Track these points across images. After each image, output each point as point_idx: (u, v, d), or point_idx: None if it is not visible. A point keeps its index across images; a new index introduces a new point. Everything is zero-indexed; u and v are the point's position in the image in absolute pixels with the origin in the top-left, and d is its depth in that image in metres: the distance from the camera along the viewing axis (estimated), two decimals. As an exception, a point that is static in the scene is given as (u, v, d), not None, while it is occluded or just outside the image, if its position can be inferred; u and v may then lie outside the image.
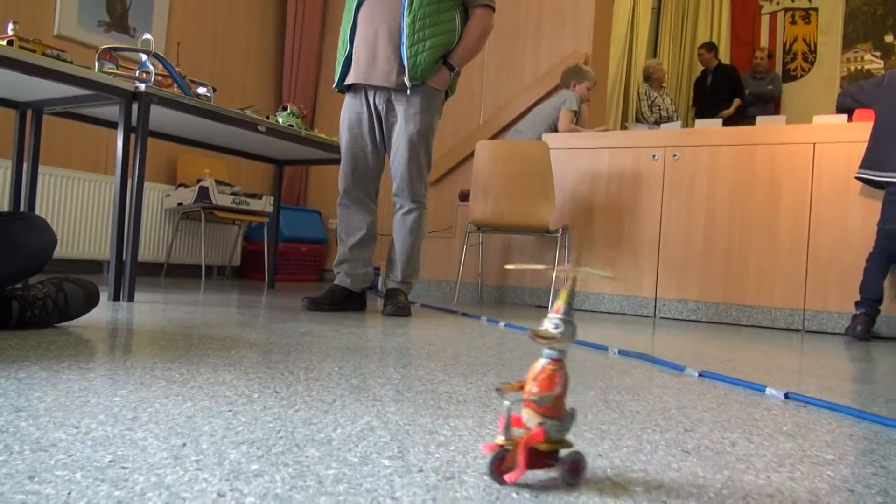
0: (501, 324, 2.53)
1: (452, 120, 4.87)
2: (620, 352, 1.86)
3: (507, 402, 0.68)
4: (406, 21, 2.50)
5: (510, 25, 4.76)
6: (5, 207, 3.28)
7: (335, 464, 0.73)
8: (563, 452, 0.71)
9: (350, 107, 2.70)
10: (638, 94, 6.00)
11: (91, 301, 1.73)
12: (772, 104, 6.56)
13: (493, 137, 4.56)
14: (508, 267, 0.82)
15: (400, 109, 2.61)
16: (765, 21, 7.56)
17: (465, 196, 4.45)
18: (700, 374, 1.55)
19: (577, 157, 3.87)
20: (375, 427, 0.89)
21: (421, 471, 0.72)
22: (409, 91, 2.56)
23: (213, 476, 0.66)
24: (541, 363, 0.70)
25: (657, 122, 5.70)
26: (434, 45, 2.53)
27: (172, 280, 4.18)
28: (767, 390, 1.37)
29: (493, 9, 2.66)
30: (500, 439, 0.69)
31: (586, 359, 1.75)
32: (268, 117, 3.12)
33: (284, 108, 3.24)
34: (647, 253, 3.68)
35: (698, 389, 1.39)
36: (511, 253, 4.09)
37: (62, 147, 4.03)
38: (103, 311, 2.07)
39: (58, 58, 2.32)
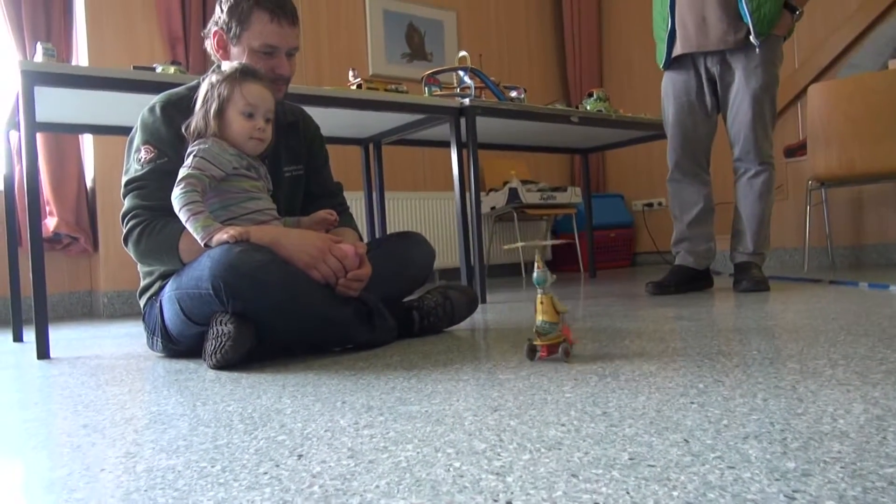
0: (893, 288, 2.15)
1: (761, 71, 4.37)
2: None
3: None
4: None
5: (820, -53, 4.12)
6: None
7: (884, 461, 0.62)
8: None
9: (674, 77, 2.56)
10: None
11: (472, 306, 1.85)
12: None
13: (815, 80, 3.98)
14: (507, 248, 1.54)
15: (738, 67, 2.40)
16: None
17: (791, 151, 3.96)
18: None
19: (946, 78, 3.18)
20: (881, 416, 0.76)
21: None
22: (757, 49, 2.34)
23: (763, 477, 0.60)
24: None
25: None
26: None
27: (495, 280, 4.41)
28: None
29: None
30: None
31: None
32: (577, 107, 3.11)
33: (590, 95, 3.20)
34: None
35: None
36: (865, 207, 3.52)
37: (388, 172, 4.49)
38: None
39: (396, 90, 2.57)
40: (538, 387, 1.03)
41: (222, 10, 1.66)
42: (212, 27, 1.69)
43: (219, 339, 1.37)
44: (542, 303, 1.25)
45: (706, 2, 2.39)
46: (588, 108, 3.15)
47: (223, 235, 1.40)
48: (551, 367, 1.19)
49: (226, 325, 1.36)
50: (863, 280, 2.50)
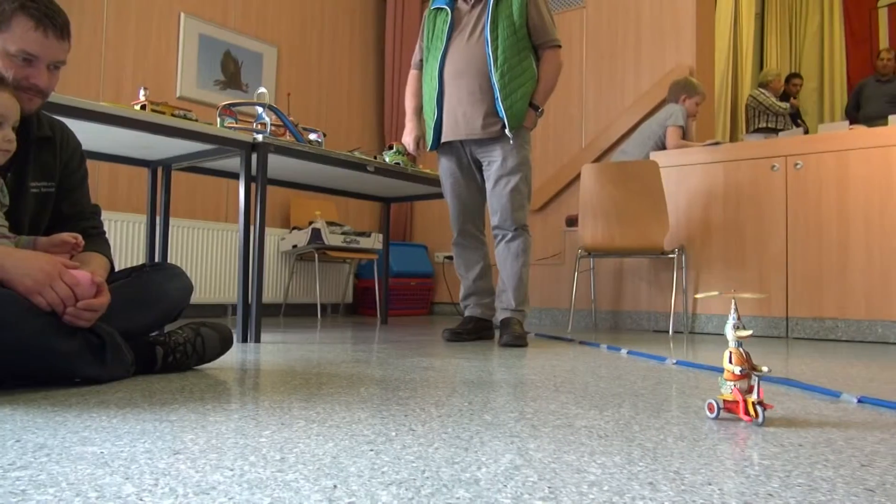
0: (623, 351, 2.43)
1: (554, 145, 4.83)
2: (763, 378, 1.73)
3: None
4: (496, 76, 2.68)
5: (608, 44, 4.68)
6: (142, 257, 3.53)
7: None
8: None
9: (447, 158, 2.91)
10: (755, 101, 5.77)
11: (226, 344, 1.81)
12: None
13: (597, 160, 4.47)
14: (699, 296, 1.35)
15: (496, 151, 2.77)
16: (882, 14, 7.05)
17: (571, 221, 4.37)
18: (859, 401, 1.41)
19: (689, 173, 3.72)
20: (520, 466, 0.86)
21: (579, 513, 0.68)
22: (511, 141, 2.72)
23: (369, 520, 0.65)
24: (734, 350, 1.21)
25: (774, 130, 5.43)
26: (525, 94, 2.73)
27: (290, 319, 4.34)
28: (945, 416, 1.22)
29: (560, 46, 2.81)
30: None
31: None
32: (375, 157, 3.21)
33: (390, 148, 3.32)
34: (773, 270, 3.45)
35: (861, 417, 1.26)
36: (624, 277, 3.97)
37: (185, 199, 4.31)
38: (235, 353, 2.17)
39: (184, 117, 2.49)
40: (240, 431, 1.03)
41: None
42: None
43: None
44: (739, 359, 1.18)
45: (471, 96, 2.73)
46: (387, 160, 3.26)
47: (-78, 250, 1.26)
48: (268, 410, 1.19)
49: (-89, 350, 1.22)
50: (605, 342, 2.80)
